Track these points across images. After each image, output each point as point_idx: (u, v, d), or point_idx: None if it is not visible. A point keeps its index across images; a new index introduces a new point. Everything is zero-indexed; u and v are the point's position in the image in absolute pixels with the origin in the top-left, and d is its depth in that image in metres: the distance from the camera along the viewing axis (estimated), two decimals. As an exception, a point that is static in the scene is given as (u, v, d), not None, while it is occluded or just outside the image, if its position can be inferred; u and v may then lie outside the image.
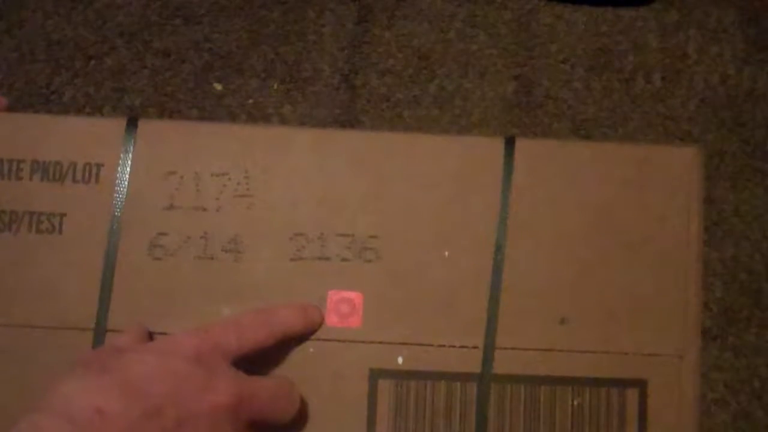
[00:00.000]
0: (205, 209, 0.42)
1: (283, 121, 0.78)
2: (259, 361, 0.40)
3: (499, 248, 0.42)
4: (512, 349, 0.42)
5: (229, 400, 0.36)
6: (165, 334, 0.41)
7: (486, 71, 0.80)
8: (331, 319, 0.42)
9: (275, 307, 0.41)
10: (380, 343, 0.42)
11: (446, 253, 0.42)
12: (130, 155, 0.42)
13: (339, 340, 0.42)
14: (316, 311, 0.42)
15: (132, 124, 0.43)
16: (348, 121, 0.78)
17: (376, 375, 0.41)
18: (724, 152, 0.79)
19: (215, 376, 0.37)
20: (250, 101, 0.78)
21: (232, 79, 0.79)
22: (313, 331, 0.42)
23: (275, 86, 0.79)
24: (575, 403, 0.42)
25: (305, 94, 0.78)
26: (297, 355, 0.41)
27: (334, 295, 0.42)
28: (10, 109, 0.44)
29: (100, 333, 0.41)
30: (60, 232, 0.42)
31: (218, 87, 0.79)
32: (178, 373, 0.36)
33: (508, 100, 0.79)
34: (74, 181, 0.42)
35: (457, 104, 0.79)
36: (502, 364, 0.42)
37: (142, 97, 0.78)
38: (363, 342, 0.42)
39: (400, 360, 0.42)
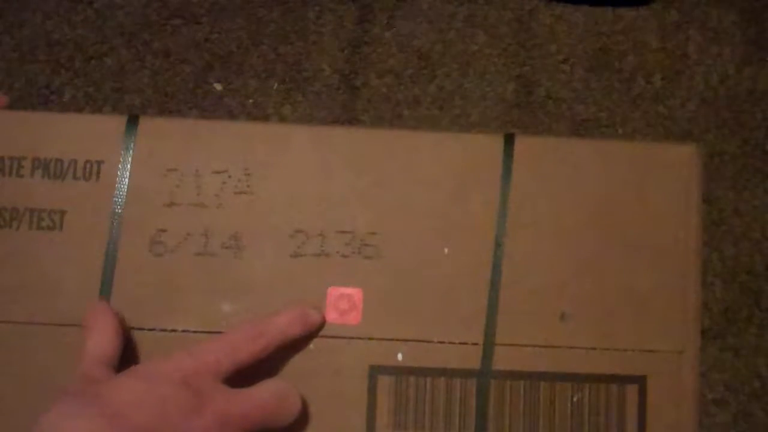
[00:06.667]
0: (205, 206, 0.42)
1: (283, 121, 0.78)
2: (257, 360, 0.40)
3: (498, 245, 0.42)
4: (512, 345, 0.42)
5: (217, 422, 0.36)
6: (165, 330, 0.41)
7: (486, 71, 0.80)
8: (331, 316, 0.42)
9: (273, 314, 0.41)
10: (380, 339, 0.42)
11: (446, 250, 0.42)
12: (131, 152, 0.43)
13: (339, 337, 0.42)
14: (315, 314, 0.41)
15: (132, 121, 0.43)
16: (348, 121, 0.78)
17: (375, 371, 0.42)
18: (724, 152, 0.79)
19: (203, 398, 0.37)
20: (250, 101, 0.78)
21: (232, 79, 0.79)
22: (314, 333, 0.42)
23: (275, 86, 0.79)
24: (575, 399, 0.42)
25: (305, 94, 0.78)
26: (297, 351, 0.41)
27: (333, 292, 0.42)
28: (11, 108, 0.44)
29: (100, 330, 0.41)
30: (60, 229, 0.42)
31: (218, 87, 0.79)
32: (165, 398, 0.36)
33: (508, 100, 0.79)
34: (75, 178, 0.42)
35: (457, 104, 0.79)
36: (501, 361, 0.42)
37: (142, 97, 0.78)
38: (363, 338, 0.42)
39: (399, 356, 0.42)
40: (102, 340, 0.39)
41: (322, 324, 0.42)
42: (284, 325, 0.40)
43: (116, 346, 0.39)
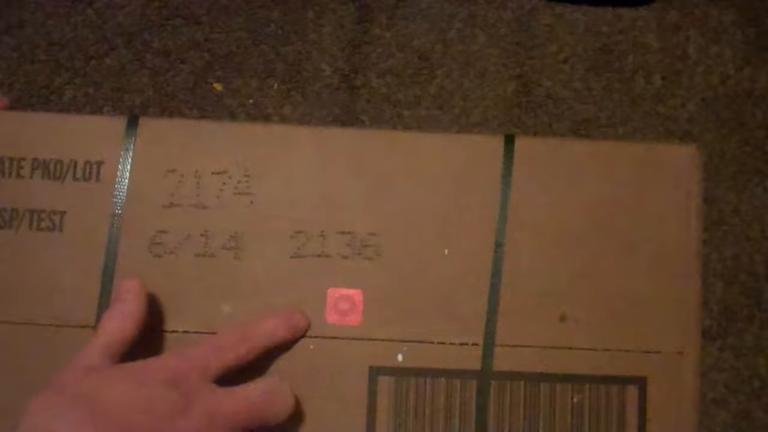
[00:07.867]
0: (205, 207, 0.42)
1: (284, 121, 0.78)
2: (257, 361, 0.40)
3: (498, 246, 0.42)
4: (512, 346, 0.42)
5: (205, 421, 0.36)
6: (165, 332, 0.41)
7: (486, 71, 0.80)
8: (331, 317, 0.42)
9: (258, 319, 0.41)
10: (380, 340, 0.42)
11: (446, 251, 0.42)
12: (131, 153, 0.43)
13: (339, 338, 0.42)
14: (301, 317, 0.42)
15: (132, 122, 0.43)
16: (348, 121, 0.78)
17: (376, 372, 0.42)
18: (724, 152, 0.79)
19: (192, 399, 0.36)
20: (250, 101, 0.78)
21: (232, 79, 0.79)
22: (300, 337, 0.42)
23: (275, 86, 0.79)
24: (575, 400, 0.42)
25: (305, 94, 0.78)
26: (297, 352, 0.41)
27: (334, 293, 0.42)
28: (11, 109, 0.44)
29: (100, 331, 0.41)
30: (60, 229, 0.42)
31: (218, 87, 0.79)
32: (153, 400, 0.36)
33: (508, 100, 0.79)
34: (75, 179, 0.42)
35: (457, 104, 0.79)
36: (502, 362, 0.42)
37: (142, 97, 0.78)
38: (363, 339, 0.42)
39: (399, 357, 0.42)
40: (117, 327, 0.38)
41: (308, 327, 0.42)
42: (270, 328, 0.41)
43: (130, 336, 0.39)
